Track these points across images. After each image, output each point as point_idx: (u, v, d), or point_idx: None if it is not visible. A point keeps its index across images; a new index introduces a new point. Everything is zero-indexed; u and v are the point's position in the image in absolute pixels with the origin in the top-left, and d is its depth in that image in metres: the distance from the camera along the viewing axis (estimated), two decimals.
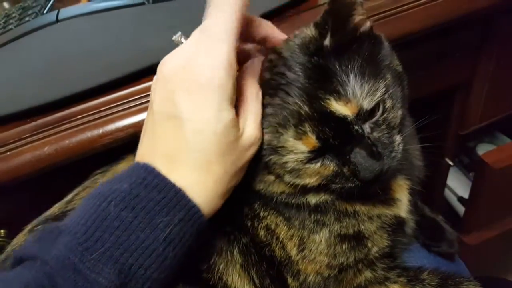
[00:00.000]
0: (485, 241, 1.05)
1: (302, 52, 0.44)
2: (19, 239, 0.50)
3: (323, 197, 0.48)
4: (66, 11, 0.65)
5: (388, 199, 0.52)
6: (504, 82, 0.85)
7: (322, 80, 0.42)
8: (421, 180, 0.59)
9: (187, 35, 0.44)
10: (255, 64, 0.46)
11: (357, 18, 0.45)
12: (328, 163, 0.44)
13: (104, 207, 0.36)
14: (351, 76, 0.41)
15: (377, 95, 0.42)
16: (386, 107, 0.44)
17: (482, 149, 1.19)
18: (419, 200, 0.61)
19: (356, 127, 0.42)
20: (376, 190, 0.47)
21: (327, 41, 0.43)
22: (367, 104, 0.42)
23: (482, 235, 1.06)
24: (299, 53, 0.44)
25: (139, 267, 0.35)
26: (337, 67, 0.42)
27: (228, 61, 0.38)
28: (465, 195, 1.10)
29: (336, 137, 0.42)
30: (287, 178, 0.45)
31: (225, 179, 0.41)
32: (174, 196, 0.37)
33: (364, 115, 0.42)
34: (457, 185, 1.19)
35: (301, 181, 0.45)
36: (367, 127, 0.43)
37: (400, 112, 0.45)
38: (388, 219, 0.52)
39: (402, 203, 0.53)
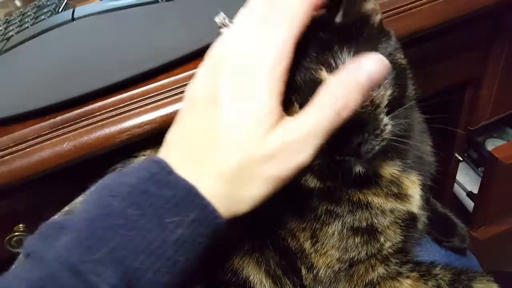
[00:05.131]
0: (495, 235, 1.05)
1: (314, 26, 0.44)
2: None
3: (318, 183, 0.48)
4: (82, 10, 0.66)
5: (401, 195, 0.53)
6: None
7: (321, 53, 0.42)
8: (433, 176, 0.59)
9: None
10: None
11: (369, 6, 0.45)
12: None
13: (108, 202, 0.32)
14: (345, 52, 0.42)
15: None
16: None
17: (491, 144, 1.19)
18: (430, 196, 0.62)
19: None
20: (359, 171, 0.45)
21: (338, 18, 0.44)
22: None
23: (491, 230, 1.06)
24: (311, 27, 0.44)
25: (146, 270, 0.31)
26: (338, 43, 0.42)
27: (285, 50, 0.35)
28: (474, 190, 1.10)
29: None
30: None
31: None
32: (187, 194, 0.33)
33: None
34: (466, 180, 1.19)
35: None
36: None
37: (389, 92, 0.44)
38: (401, 214, 0.52)
39: (415, 199, 0.54)
